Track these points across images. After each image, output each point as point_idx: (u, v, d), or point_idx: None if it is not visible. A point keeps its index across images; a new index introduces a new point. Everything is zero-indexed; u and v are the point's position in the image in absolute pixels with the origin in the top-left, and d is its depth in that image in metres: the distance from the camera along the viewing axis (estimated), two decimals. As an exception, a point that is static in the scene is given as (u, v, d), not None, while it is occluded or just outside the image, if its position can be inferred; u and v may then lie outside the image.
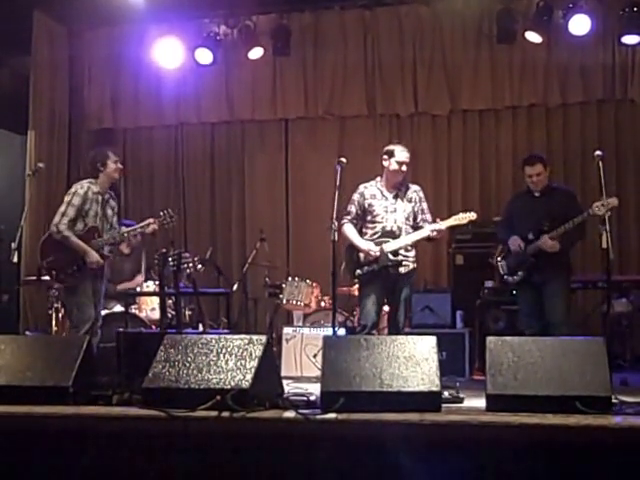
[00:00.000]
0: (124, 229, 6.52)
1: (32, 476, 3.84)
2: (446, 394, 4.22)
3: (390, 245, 6.07)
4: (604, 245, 5.35)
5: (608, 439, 3.45)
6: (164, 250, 6.30)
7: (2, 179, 8.97)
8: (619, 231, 8.42)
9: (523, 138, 9.01)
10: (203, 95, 9.48)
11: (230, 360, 3.97)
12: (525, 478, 3.51)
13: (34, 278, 7.24)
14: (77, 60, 9.63)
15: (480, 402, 3.97)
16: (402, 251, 6.10)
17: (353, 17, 9.12)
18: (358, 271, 6.15)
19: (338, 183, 5.88)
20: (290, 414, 3.75)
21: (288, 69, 9.24)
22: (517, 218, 6.49)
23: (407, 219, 6.18)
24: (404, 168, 6.21)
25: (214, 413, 3.70)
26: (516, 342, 4.06)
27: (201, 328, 7.52)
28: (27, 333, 8.10)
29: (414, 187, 6.33)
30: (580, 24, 8.01)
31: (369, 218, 6.22)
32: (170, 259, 6.25)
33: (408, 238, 6.12)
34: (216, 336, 4.19)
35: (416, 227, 6.21)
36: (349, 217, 6.24)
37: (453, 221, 6.22)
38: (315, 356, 6.88)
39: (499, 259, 6.54)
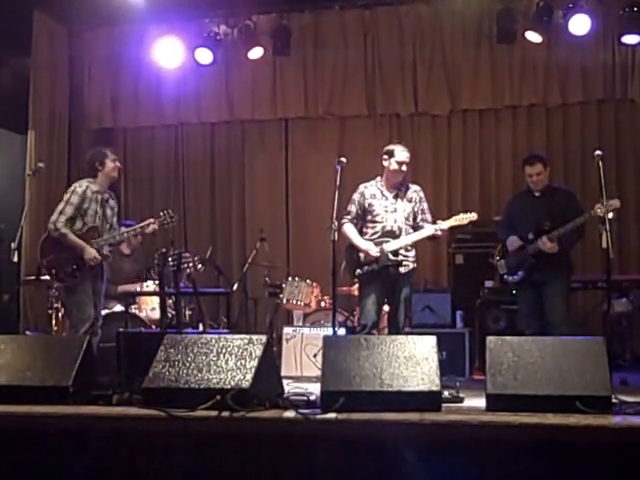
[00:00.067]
0: (123, 229, 6.53)
1: (32, 476, 3.83)
2: (446, 394, 4.22)
3: (390, 245, 6.07)
4: (604, 245, 5.35)
5: (608, 439, 3.45)
6: (164, 250, 6.30)
7: (2, 179, 8.97)
8: (619, 231, 8.42)
9: (523, 138, 9.02)
10: (203, 95, 9.48)
11: (230, 360, 3.97)
12: (525, 478, 3.51)
13: (34, 278, 7.24)
14: (77, 60, 9.63)
15: (480, 402, 3.96)
16: (402, 251, 6.11)
17: (353, 17, 9.12)
18: (358, 271, 6.16)
19: (338, 183, 5.88)
20: (290, 414, 3.75)
21: (288, 69, 9.24)
22: (517, 218, 6.49)
23: (407, 219, 6.19)
24: (404, 168, 6.21)
25: (214, 413, 3.70)
26: (516, 342, 4.06)
27: (201, 328, 7.52)
28: (27, 333, 8.10)
29: (414, 187, 6.33)
30: (580, 24, 8.01)
31: (369, 218, 6.22)
32: (170, 259, 6.25)
33: (408, 238, 6.13)
34: (216, 336, 4.19)
35: (416, 227, 6.21)
36: (349, 217, 6.25)
37: (454, 221, 6.23)
38: (315, 356, 6.88)
39: (498, 258, 6.54)
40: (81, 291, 6.16)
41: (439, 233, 6.12)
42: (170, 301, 7.27)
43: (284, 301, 7.73)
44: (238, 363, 3.94)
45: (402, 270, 6.12)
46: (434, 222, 6.20)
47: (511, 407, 3.73)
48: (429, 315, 7.65)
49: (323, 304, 7.79)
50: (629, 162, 8.76)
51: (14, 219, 6.67)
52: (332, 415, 3.70)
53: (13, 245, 6.27)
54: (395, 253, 6.07)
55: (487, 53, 8.86)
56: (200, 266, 6.97)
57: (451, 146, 9.22)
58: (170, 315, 7.20)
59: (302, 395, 4.14)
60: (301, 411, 3.75)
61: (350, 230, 6.22)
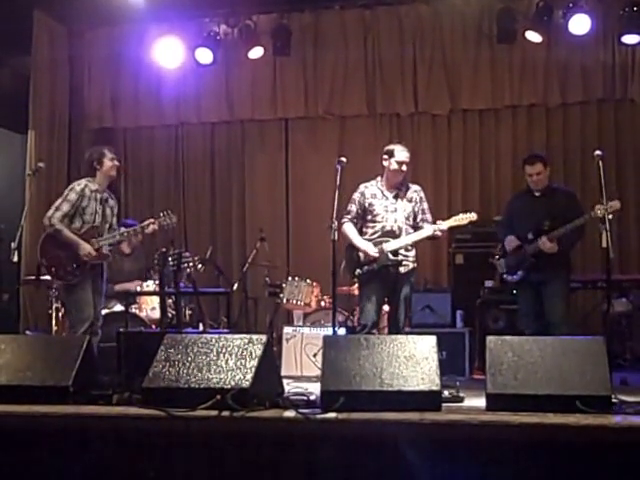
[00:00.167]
0: (123, 229, 6.53)
1: (32, 476, 3.84)
2: (446, 393, 4.22)
3: (390, 245, 6.07)
4: (604, 244, 5.35)
5: (608, 438, 3.45)
6: (164, 250, 6.31)
7: (2, 178, 8.97)
8: (619, 230, 8.41)
9: (523, 138, 9.02)
10: (203, 95, 9.48)
11: (230, 359, 3.97)
12: (525, 478, 3.51)
13: (34, 278, 7.23)
14: (77, 60, 9.63)
15: (480, 401, 3.97)
16: (402, 251, 6.11)
17: (353, 17, 9.13)
18: (358, 270, 6.16)
19: (338, 183, 5.88)
20: (290, 413, 3.75)
21: (288, 69, 9.24)
22: (517, 218, 6.49)
23: (407, 219, 6.19)
24: (404, 168, 6.21)
25: (214, 412, 3.70)
26: (516, 341, 4.06)
27: (201, 328, 7.52)
28: (27, 333, 8.10)
29: (414, 187, 6.33)
30: (580, 24, 8.02)
31: (369, 217, 6.22)
32: (170, 259, 6.26)
33: (408, 238, 6.13)
34: (216, 335, 4.19)
35: (416, 227, 6.21)
36: (349, 216, 6.25)
37: (453, 222, 6.23)
38: (315, 355, 6.89)
39: (498, 258, 6.55)
40: (81, 290, 6.16)
41: (439, 233, 6.13)
42: (170, 301, 7.28)
43: (284, 301, 7.73)
44: (238, 363, 3.94)
45: (402, 270, 6.12)
46: (434, 222, 6.20)
47: (511, 407, 3.73)
48: (429, 315, 7.66)
49: (323, 304, 7.79)
50: (629, 162, 8.76)
51: (14, 219, 6.67)
52: (332, 415, 3.70)
53: (13, 245, 6.27)
54: (395, 253, 6.07)
55: (487, 53, 8.87)
56: (200, 266, 6.97)
57: (451, 146, 9.23)
58: (170, 315, 7.21)
59: (302, 395, 4.14)
60: (301, 411, 3.75)
61: (350, 230, 6.22)
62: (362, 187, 6.31)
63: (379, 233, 6.15)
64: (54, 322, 7.35)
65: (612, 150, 8.53)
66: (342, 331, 6.99)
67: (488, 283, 7.83)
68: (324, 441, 3.63)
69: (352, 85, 9.15)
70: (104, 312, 6.62)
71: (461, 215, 6.29)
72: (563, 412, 3.64)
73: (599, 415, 3.61)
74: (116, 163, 6.47)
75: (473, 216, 6.28)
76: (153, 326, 7.27)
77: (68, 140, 9.50)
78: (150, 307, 7.53)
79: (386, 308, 6.47)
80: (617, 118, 8.83)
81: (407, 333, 6.25)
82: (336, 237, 5.73)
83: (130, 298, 7.42)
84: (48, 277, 6.62)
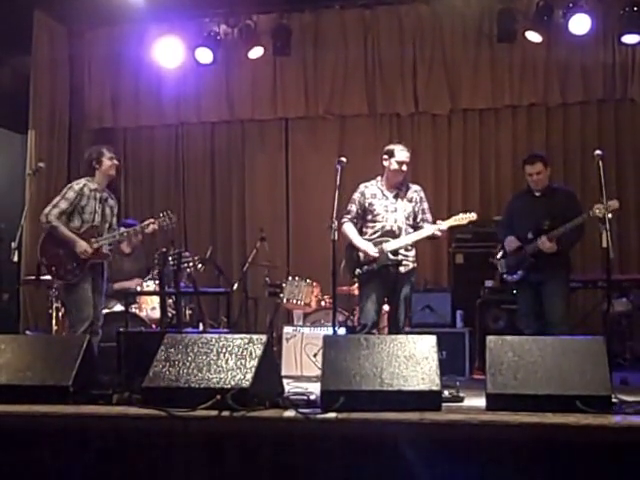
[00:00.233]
0: (123, 229, 6.54)
1: (32, 476, 3.84)
2: (446, 393, 4.22)
3: (390, 244, 6.07)
4: (604, 244, 5.35)
5: (608, 438, 3.45)
6: (164, 249, 6.31)
7: (2, 178, 8.97)
8: (619, 230, 8.41)
9: (523, 137, 9.02)
10: (203, 94, 9.48)
11: (230, 359, 3.97)
12: (525, 477, 3.51)
13: (34, 277, 7.25)
14: (77, 59, 9.63)
15: (480, 401, 3.97)
16: (402, 250, 6.11)
17: (353, 16, 9.13)
18: (358, 270, 6.16)
19: (338, 182, 5.88)
20: (290, 413, 3.75)
21: (288, 68, 9.24)
22: (517, 217, 6.49)
23: (407, 219, 6.19)
24: (404, 168, 6.21)
25: (214, 412, 3.70)
26: (516, 341, 4.06)
27: (201, 327, 7.52)
28: (27, 332, 8.11)
29: (415, 187, 6.33)
30: (580, 23, 8.02)
31: (369, 217, 6.22)
32: (170, 258, 6.26)
33: (408, 238, 6.13)
34: (216, 335, 4.19)
35: (416, 227, 6.21)
36: (349, 216, 6.25)
37: (453, 221, 6.23)
38: (315, 355, 6.89)
39: (498, 258, 6.55)
40: (80, 290, 6.16)
41: (438, 233, 6.14)
42: (170, 301, 7.28)
43: (284, 301, 7.73)
44: (238, 363, 3.94)
45: (402, 270, 6.12)
46: (434, 222, 6.20)
47: (511, 407, 3.73)
48: (429, 315, 7.66)
49: (323, 304, 7.80)
50: (629, 162, 8.77)
51: (14, 219, 6.67)
52: (332, 415, 3.70)
53: (13, 245, 6.28)
54: (395, 253, 6.07)
55: (487, 53, 8.87)
56: (200, 266, 6.98)
57: (451, 146, 9.23)
58: (170, 315, 7.21)
59: (302, 395, 4.13)
60: (301, 410, 3.75)
61: (350, 229, 6.22)
62: (362, 187, 6.31)
63: (379, 233, 6.15)
64: (54, 322, 7.35)
65: (612, 150, 8.53)
66: (342, 331, 6.99)
67: (488, 283, 7.83)
68: (324, 441, 3.63)
69: (352, 85, 9.15)
70: (104, 312, 6.62)
71: (461, 215, 6.29)
72: (563, 412, 3.64)
73: (599, 415, 3.60)
74: (115, 162, 6.48)
75: (473, 216, 6.28)
76: (153, 326, 7.27)
77: (68, 140, 9.51)
78: (150, 307, 7.53)
79: (386, 308, 6.48)
80: (617, 118, 8.83)
81: (407, 333, 6.25)
82: (336, 237, 5.73)
83: (130, 298, 7.42)
84: (48, 277, 6.63)
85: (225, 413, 3.69)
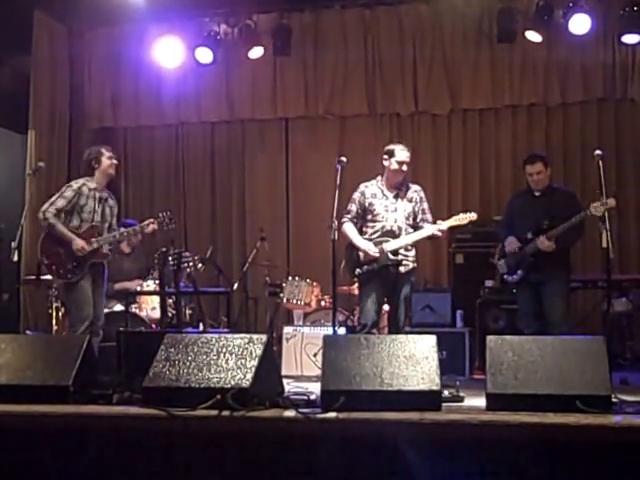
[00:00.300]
0: (122, 229, 6.55)
1: (32, 475, 3.84)
2: (446, 393, 4.23)
3: (390, 244, 6.07)
4: (604, 244, 5.36)
5: (608, 438, 3.45)
6: (164, 249, 6.31)
7: (2, 178, 8.97)
8: (619, 230, 8.42)
9: (523, 137, 9.02)
10: (203, 94, 9.48)
11: (230, 359, 3.97)
12: (525, 477, 3.51)
13: (34, 277, 7.25)
14: (77, 59, 9.63)
15: (480, 401, 3.97)
16: (402, 250, 6.11)
17: (353, 16, 9.12)
18: (358, 270, 6.15)
19: (338, 182, 5.88)
20: (290, 413, 3.75)
21: (288, 68, 9.24)
22: (517, 217, 6.50)
23: (407, 219, 6.19)
24: (404, 168, 6.21)
25: (214, 412, 3.70)
26: (516, 341, 4.06)
27: (201, 327, 7.52)
28: (27, 332, 8.10)
29: (415, 187, 6.33)
30: (580, 23, 8.01)
31: (369, 217, 6.22)
32: (170, 258, 6.26)
33: (409, 238, 6.13)
34: (216, 335, 4.19)
35: (416, 227, 6.21)
36: (349, 216, 6.25)
37: (454, 221, 6.23)
38: (315, 355, 6.88)
39: (498, 258, 6.55)
40: (80, 289, 6.17)
41: (438, 233, 6.13)
42: (170, 300, 7.28)
43: (284, 300, 7.73)
44: (238, 362, 3.94)
45: (402, 269, 6.12)
46: (434, 222, 6.20)
47: (511, 406, 3.73)
48: (429, 314, 7.66)
49: (323, 303, 7.79)
50: (629, 162, 8.76)
51: (14, 218, 6.68)
52: (332, 414, 3.70)
53: (13, 244, 6.28)
54: (395, 253, 6.07)
55: (487, 52, 8.86)
56: (200, 265, 6.97)
57: (451, 145, 9.23)
58: (170, 314, 7.21)
59: (302, 394, 4.14)
60: (301, 410, 3.76)
61: (350, 229, 6.22)
62: (362, 187, 6.31)
63: (379, 233, 6.15)
64: (54, 322, 7.36)
65: (612, 150, 8.53)
66: (342, 331, 6.99)
67: (488, 283, 7.83)
68: (324, 441, 3.64)
69: (352, 85, 9.15)
70: (104, 311, 6.62)
71: (461, 215, 6.29)
72: (563, 412, 3.64)
73: (599, 415, 3.61)
74: (114, 162, 6.50)
75: (473, 216, 6.28)
76: (153, 326, 7.27)
77: (68, 140, 9.50)
78: (150, 307, 7.54)
79: (386, 308, 6.48)
80: (617, 118, 8.83)
81: (407, 333, 6.24)
82: (336, 237, 5.74)
83: (130, 298, 7.43)
84: (48, 276, 6.64)
85: (225, 413, 3.69)
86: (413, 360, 3.96)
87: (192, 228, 9.74)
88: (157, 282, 7.16)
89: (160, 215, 6.51)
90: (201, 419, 3.68)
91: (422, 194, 6.32)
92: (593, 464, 3.45)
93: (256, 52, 8.92)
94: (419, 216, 6.24)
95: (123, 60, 9.46)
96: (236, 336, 4.14)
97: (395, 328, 6.14)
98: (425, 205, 6.30)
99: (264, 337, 4.11)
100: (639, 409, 3.78)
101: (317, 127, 9.54)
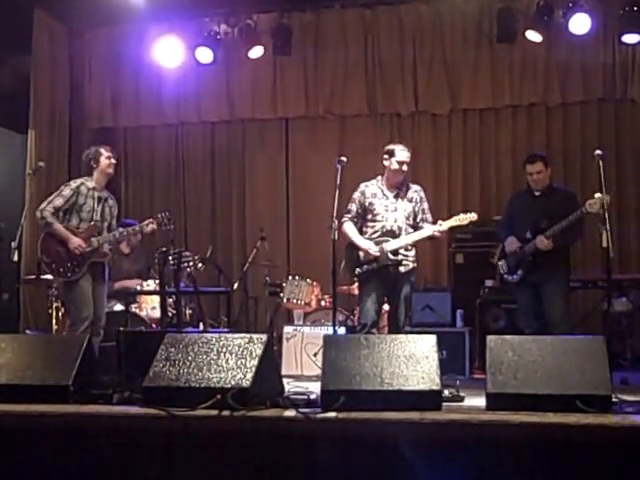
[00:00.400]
0: (121, 229, 6.55)
1: (32, 475, 3.84)
2: (446, 393, 4.22)
3: (390, 244, 6.07)
4: (604, 244, 5.36)
5: (608, 438, 3.45)
6: (164, 249, 6.31)
7: (2, 178, 8.97)
8: (619, 230, 8.43)
9: (523, 137, 9.02)
10: (203, 94, 9.48)
11: (230, 359, 3.97)
12: (525, 477, 3.51)
13: (34, 277, 7.26)
14: (77, 59, 9.63)
15: (480, 401, 3.97)
16: (402, 250, 6.11)
17: (354, 16, 9.12)
18: (358, 270, 6.16)
19: (338, 182, 5.88)
20: (290, 413, 3.75)
21: (289, 68, 9.24)
22: (517, 216, 6.50)
23: (407, 218, 6.19)
24: (405, 168, 6.22)
25: (214, 412, 3.70)
26: (516, 341, 4.06)
27: (201, 327, 7.52)
28: (27, 332, 8.10)
29: (415, 187, 6.34)
30: (580, 23, 8.01)
31: (369, 217, 6.22)
32: (170, 258, 6.26)
33: (409, 238, 6.13)
34: (216, 335, 4.19)
35: (416, 227, 6.22)
36: (349, 215, 6.25)
37: (454, 222, 6.23)
38: (315, 355, 6.88)
39: (498, 258, 6.54)
40: (80, 288, 6.18)
41: (437, 234, 6.13)
42: (170, 300, 7.28)
43: (284, 300, 7.73)
44: (238, 362, 3.94)
45: (402, 269, 6.13)
46: (434, 222, 6.21)
47: (511, 406, 3.73)
48: (429, 314, 7.66)
49: (323, 303, 7.79)
50: (629, 162, 8.76)
51: (14, 218, 6.68)
52: (332, 414, 3.70)
53: (13, 244, 6.29)
54: (395, 252, 6.07)
55: (487, 52, 8.86)
56: (200, 265, 6.97)
57: (451, 145, 9.23)
58: (170, 314, 7.20)
59: (302, 394, 4.13)
60: (301, 410, 3.75)
61: (350, 229, 6.22)
62: (362, 186, 6.31)
63: (379, 233, 6.15)
64: (54, 321, 7.36)
65: (612, 150, 8.53)
66: (342, 330, 6.99)
67: (488, 282, 7.84)
68: (324, 440, 3.63)
69: (352, 84, 9.15)
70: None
71: (462, 215, 6.29)
72: (563, 411, 3.64)
73: (599, 414, 3.60)
74: (113, 161, 6.52)
75: (473, 216, 6.28)
76: (153, 325, 7.27)
77: (68, 139, 9.50)
78: (150, 306, 7.54)
79: (386, 307, 6.48)
80: (617, 118, 8.83)
81: (407, 332, 6.24)
82: (336, 236, 5.74)
83: (130, 297, 7.43)
84: (48, 276, 6.65)
85: (225, 413, 3.69)
86: (413, 360, 3.96)
87: (192, 228, 9.75)
88: (157, 282, 7.16)
89: (159, 216, 6.52)
90: (201, 419, 3.68)
91: (422, 194, 6.32)
92: (593, 464, 3.45)
93: (256, 52, 8.92)
94: (419, 216, 6.24)
95: (123, 60, 9.46)
96: (236, 336, 4.14)
97: (395, 328, 6.15)
98: (425, 205, 6.30)
99: (264, 337, 4.11)
100: (639, 409, 3.77)
101: (317, 127, 9.54)
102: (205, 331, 7.17)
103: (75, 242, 6.18)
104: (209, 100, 9.50)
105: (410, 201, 6.23)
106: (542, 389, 3.80)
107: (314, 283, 7.77)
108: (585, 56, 8.52)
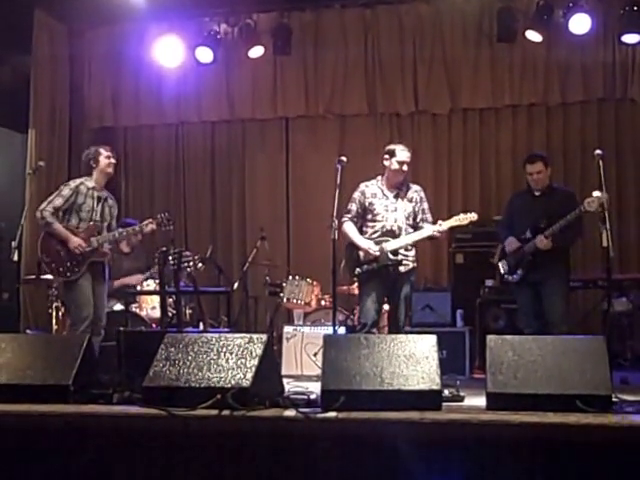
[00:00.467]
0: (121, 229, 6.56)
1: (32, 475, 3.84)
2: (446, 392, 4.22)
3: (390, 244, 6.07)
4: (604, 244, 5.36)
5: (608, 438, 3.45)
6: (164, 249, 6.31)
7: (3, 177, 8.97)
8: (619, 230, 8.43)
9: (523, 137, 9.02)
10: (204, 94, 9.48)
11: (230, 359, 3.97)
12: (525, 476, 3.51)
13: (34, 276, 7.26)
14: (78, 58, 9.62)
15: (480, 401, 3.97)
16: (402, 250, 6.11)
17: (353, 16, 9.12)
18: (358, 269, 6.16)
19: (338, 182, 5.89)
20: (290, 413, 3.75)
21: (289, 68, 9.24)
22: (517, 216, 6.50)
23: (407, 218, 6.19)
24: (405, 168, 6.22)
25: (214, 412, 3.70)
26: (516, 340, 4.06)
27: (201, 327, 7.52)
28: (27, 332, 8.10)
29: (415, 187, 6.34)
30: (580, 23, 8.01)
31: (369, 217, 6.22)
32: (170, 258, 6.26)
33: (409, 238, 6.13)
34: (216, 335, 4.19)
35: (416, 227, 6.22)
36: (349, 215, 6.25)
37: (454, 222, 6.23)
38: (315, 355, 6.88)
39: (499, 259, 6.54)
40: (79, 288, 6.18)
41: (437, 234, 6.13)
42: (170, 300, 7.28)
43: (284, 300, 7.73)
44: (239, 362, 3.94)
45: (402, 269, 6.13)
46: (434, 222, 6.21)
47: (511, 406, 3.73)
48: (429, 314, 7.67)
49: (323, 303, 7.79)
50: (629, 161, 8.76)
51: (14, 218, 6.69)
52: (332, 414, 3.70)
53: (13, 244, 6.29)
54: (395, 252, 6.07)
55: (487, 52, 8.86)
56: (200, 265, 6.96)
57: (451, 145, 9.22)
58: (170, 314, 7.20)
59: (302, 394, 4.13)
60: (301, 410, 3.75)
61: (350, 228, 6.23)
62: (362, 186, 6.31)
63: (379, 232, 6.15)
64: (54, 321, 7.36)
65: (612, 149, 8.53)
66: (342, 330, 6.99)
67: (488, 282, 7.84)
68: (324, 440, 3.64)
69: (352, 84, 9.15)
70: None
71: (462, 215, 6.29)
72: (563, 411, 3.64)
73: (599, 414, 3.60)
74: (112, 161, 6.53)
75: (474, 216, 6.28)
76: (153, 325, 7.27)
77: (68, 139, 9.50)
78: (150, 306, 7.55)
79: (386, 307, 6.48)
80: (617, 117, 8.83)
81: (407, 332, 6.25)
82: (336, 236, 5.74)
83: (130, 297, 7.43)
84: (48, 276, 6.65)
85: (225, 412, 3.69)
86: (413, 360, 3.96)
87: (192, 227, 9.75)
88: (157, 281, 7.16)
89: (159, 216, 6.53)
90: (201, 419, 3.68)
91: (422, 194, 6.32)
92: (593, 464, 3.45)
93: (256, 51, 8.92)
94: (419, 216, 6.24)
95: (123, 59, 9.46)
96: (236, 336, 4.14)
97: (395, 328, 6.15)
98: (425, 205, 6.30)
99: (264, 337, 4.11)
100: (639, 409, 3.77)
101: (317, 126, 9.54)
102: (205, 331, 7.17)
103: (75, 241, 6.19)
104: (209, 100, 9.50)
105: (410, 201, 6.23)
106: (542, 389, 3.80)
107: (314, 283, 7.77)
108: (585, 56, 8.52)
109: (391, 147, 6.31)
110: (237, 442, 3.69)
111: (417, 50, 8.99)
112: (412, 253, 6.21)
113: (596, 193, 5.72)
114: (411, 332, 6.45)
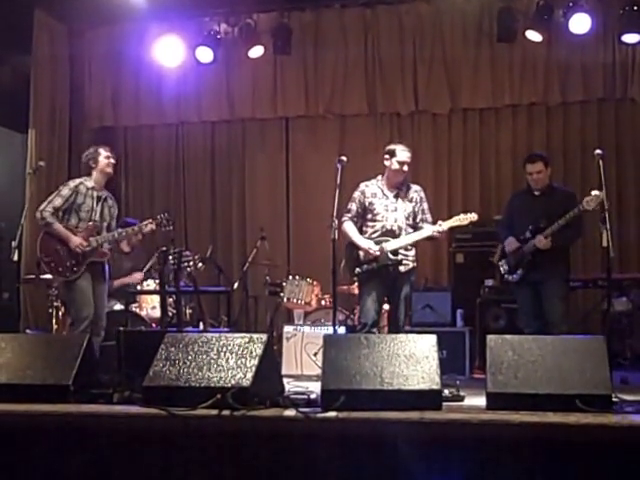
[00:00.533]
0: (120, 230, 6.56)
1: (32, 475, 3.84)
2: (446, 392, 4.23)
3: (390, 244, 6.07)
4: (604, 243, 5.36)
5: (608, 437, 3.45)
6: (164, 248, 6.31)
7: (3, 177, 8.97)
8: (619, 229, 8.42)
9: (523, 137, 9.02)
10: (204, 94, 9.48)
11: (231, 358, 3.97)
12: (525, 476, 3.51)
13: (34, 276, 7.26)
14: (78, 58, 9.63)
15: (480, 400, 3.97)
16: (402, 250, 6.11)
17: (354, 15, 9.13)
18: (358, 269, 6.15)
19: (338, 181, 5.88)
20: (290, 412, 3.75)
21: (289, 68, 9.24)
22: (517, 216, 6.50)
23: (407, 218, 6.19)
24: (405, 168, 6.21)
25: (214, 411, 3.70)
26: (516, 340, 4.06)
27: (202, 326, 7.52)
28: (27, 331, 8.11)
29: (415, 187, 6.33)
30: (580, 23, 8.01)
31: (369, 217, 6.22)
32: (171, 257, 6.26)
33: (409, 237, 6.13)
34: (217, 334, 4.19)
35: (415, 227, 6.21)
36: (350, 215, 6.25)
37: (454, 222, 6.23)
38: (316, 354, 6.88)
39: (499, 259, 6.54)
40: (79, 288, 6.18)
41: (437, 235, 6.13)
42: (171, 300, 7.28)
43: (285, 300, 7.73)
44: (239, 362, 3.94)
45: (402, 269, 6.13)
46: (434, 222, 6.20)
47: (511, 406, 3.73)
48: (429, 314, 7.67)
49: (323, 303, 7.79)
50: (629, 161, 8.76)
51: (14, 217, 6.69)
52: (332, 414, 3.70)
53: (13, 244, 6.29)
54: (395, 252, 6.07)
55: (487, 52, 8.86)
56: (200, 265, 6.98)
57: (451, 145, 9.22)
58: (171, 314, 7.21)
59: (302, 394, 4.14)
60: (301, 410, 3.75)
61: (350, 228, 6.22)
62: (363, 186, 6.31)
63: (379, 232, 6.15)
64: (54, 321, 7.36)
65: (612, 149, 8.53)
66: (342, 330, 6.99)
67: (488, 282, 7.84)
68: (324, 440, 3.64)
69: (352, 84, 9.15)
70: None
71: (462, 215, 6.28)
72: (563, 411, 3.64)
73: (599, 414, 3.61)
74: (111, 161, 6.53)
75: (474, 216, 6.28)
76: (153, 325, 7.27)
77: (69, 139, 9.51)
78: (150, 306, 7.55)
79: (386, 307, 6.48)
80: (617, 117, 8.83)
81: (407, 332, 6.24)
82: (336, 236, 5.74)
83: (130, 297, 7.43)
84: (48, 276, 6.65)
85: (225, 412, 3.69)
86: (413, 359, 3.96)
87: (192, 227, 9.75)
88: (157, 281, 7.16)
89: (158, 217, 6.52)
90: (201, 418, 3.68)
91: (422, 194, 6.32)
92: (593, 464, 3.45)
93: (256, 51, 8.92)
94: (419, 216, 6.24)
95: (123, 59, 9.46)
96: (236, 335, 4.14)
97: (395, 327, 6.15)
98: (425, 205, 6.30)
99: (264, 336, 4.11)
100: (639, 408, 3.78)
101: (317, 126, 9.54)
102: (205, 331, 7.17)
103: (76, 241, 6.19)
104: (209, 100, 9.50)
105: (410, 201, 6.23)
106: (542, 389, 3.80)
107: (314, 283, 7.77)
108: (585, 56, 8.52)
109: (391, 147, 6.30)
110: (237, 442, 3.69)
111: (417, 50, 8.99)
112: (412, 253, 6.21)
113: (595, 192, 5.74)
114: (411, 332, 6.45)
